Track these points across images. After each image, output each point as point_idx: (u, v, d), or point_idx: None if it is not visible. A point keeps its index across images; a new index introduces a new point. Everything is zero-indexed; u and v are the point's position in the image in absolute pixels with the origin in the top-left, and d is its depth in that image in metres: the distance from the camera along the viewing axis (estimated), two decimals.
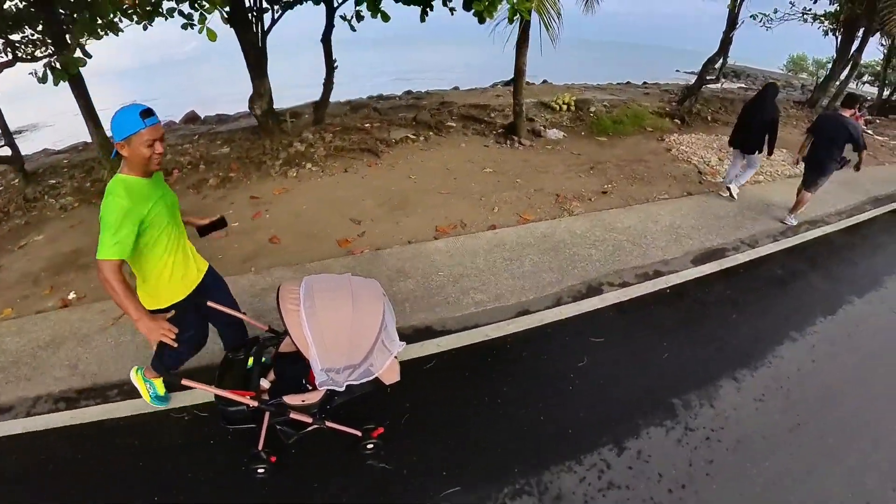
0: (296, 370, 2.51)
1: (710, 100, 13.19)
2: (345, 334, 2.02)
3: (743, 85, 20.15)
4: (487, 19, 6.37)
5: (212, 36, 5.24)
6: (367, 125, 8.53)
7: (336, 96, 10.94)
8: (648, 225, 5.75)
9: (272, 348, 2.72)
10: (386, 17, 6.49)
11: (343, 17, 7.53)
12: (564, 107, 10.06)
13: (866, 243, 5.76)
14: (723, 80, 12.14)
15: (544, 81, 17.65)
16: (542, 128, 8.84)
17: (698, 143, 9.49)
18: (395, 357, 2.23)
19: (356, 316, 2.04)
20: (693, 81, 12.38)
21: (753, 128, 6.07)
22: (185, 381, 2.20)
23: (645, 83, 16.67)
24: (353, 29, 7.50)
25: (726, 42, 11.67)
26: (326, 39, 8.13)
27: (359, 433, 2.81)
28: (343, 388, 2.18)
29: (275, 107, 8.02)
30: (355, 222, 5.48)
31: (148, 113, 2.15)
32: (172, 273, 2.46)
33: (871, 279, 4.92)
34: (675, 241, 5.40)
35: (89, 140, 7.58)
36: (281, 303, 2.06)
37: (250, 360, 2.60)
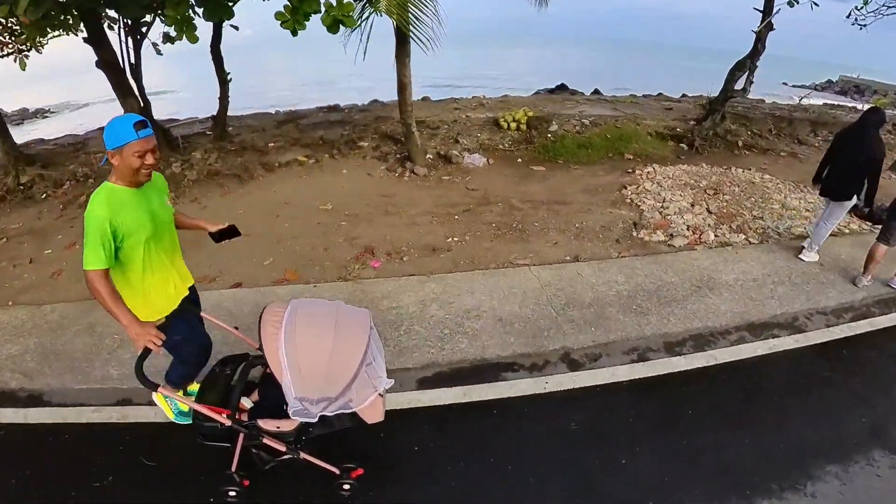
0: (278, 394, 2.30)
1: (757, 119, 10.63)
2: (322, 363, 1.98)
3: (836, 102, 16.56)
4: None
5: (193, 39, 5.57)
6: (270, 144, 7.58)
7: (353, 99, 10.19)
8: (430, 310, 4.09)
9: (262, 367, 2.71)
10: (194, 39, 5.57)
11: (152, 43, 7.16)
12: (514, 125, 8.35)
13: None
14: (748, 88, 9.59)
15: (560, 88, 15.65)
16: (457, 153, 7.26)
17: (676, 180, 7.34)
18: (382, 395, 2.18)
19: (336, 346, 1.99)
20: (718, 93, 9.93)
21: (845, 167, 4.86)
22: (160, 390, 2.24)
23: (684, 95, 14.12)
24: (158, 53, 7.28)
25: (760, 39, 9.18)
26: (215, 49, 7.45)
27: (336, 471, 2.69)
28: (316, 420, 2.14)
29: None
30: None
31: (142, 125, 2.24)
32: (152, 287, 2.49)
33: None
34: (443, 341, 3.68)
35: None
36: (262, 322, 2.05)
37: (235, 376, 2.60)
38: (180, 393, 2.98)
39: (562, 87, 16.24)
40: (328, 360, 2.00)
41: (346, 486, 2.72)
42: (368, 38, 5.59)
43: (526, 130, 8.28)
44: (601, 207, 6.21)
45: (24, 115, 21.70)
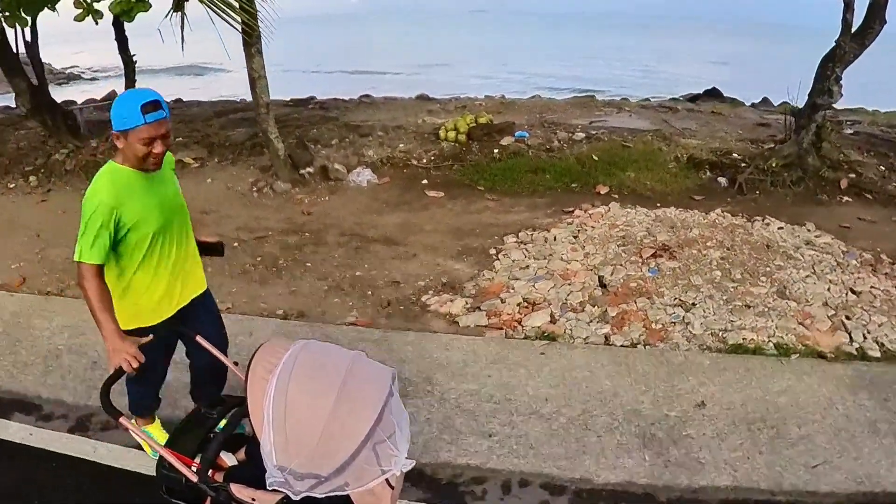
0: None
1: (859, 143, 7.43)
2: (315, 430, 1.61)
3: None
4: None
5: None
6: (179, 138, 7.64)
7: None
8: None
9: None
10: (23, 22, 5.71)
11: None
12: (451, 135, 6.96)
13: None
14: (836, 91, 6.52)
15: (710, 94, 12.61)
16: (339, 168, 6.29)
17: (626, 230, 5.31)
18: (392, 484, 1.74)
19: (338, 410, 1.61)
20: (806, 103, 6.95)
21: None
22: (122, 420, 1.97)
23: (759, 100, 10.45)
24: None
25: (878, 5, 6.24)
26: (118, 29, 7.46)
27: None
28: (298, 499, 1.74)
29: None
30: None
31: (152, 106, 2.00)
32: (147, 289, 2.27)
33: None
34: None
35: None
36: (254, 360, 1.71)
37: (223, 422, 2.24)
38: (153, 426, 2.76)
39: (713, 93, 12.98)
40: (324, 426, 1.61)
41: None
42: (182, 27, 5.05)
43: (465, 142, 6.84)
44: (437, 256, 4.73)
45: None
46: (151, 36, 6.06)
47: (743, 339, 3.81)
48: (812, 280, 4.55)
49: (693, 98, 12.88)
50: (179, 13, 5.54)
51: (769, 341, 3.80)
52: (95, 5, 5.97)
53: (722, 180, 6.82)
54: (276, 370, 1.67)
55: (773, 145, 7.62)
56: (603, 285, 4.36)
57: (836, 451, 2.92)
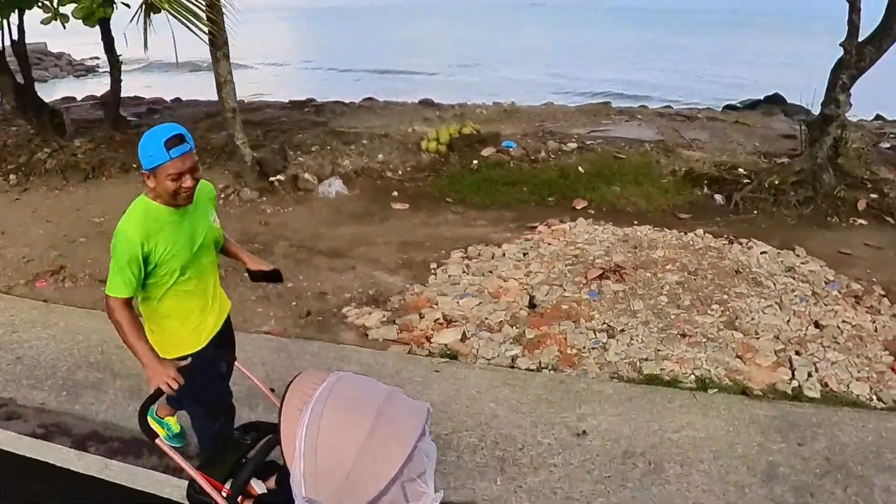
0: None
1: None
2: (345, 463, 1.53)
3: None
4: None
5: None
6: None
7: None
8: None
9: None
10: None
11: None
12: (433, 146, 7.02)
13: None
14: (843, 101, 6.00)
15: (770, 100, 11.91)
16: (309, 178, 6.51)
17: (582, 248, 5.21)
18: None
19: (370, 444, 1.52)
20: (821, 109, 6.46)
21: None
22: (158, 441, 2.06)
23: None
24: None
25: None
26: (106, 34, 7.53)
27: None
28: None
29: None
30: None
31: (176, 140, 2.02)
32: (182, 322, 2.35)
33: None
34: None
35: None
36: (290, 390, 1.61)
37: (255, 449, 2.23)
38: (173, 419, 2.93)
39: (774, 99, 12.10)
40: (353, 462, 1.58)
41: None
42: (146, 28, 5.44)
43: (445, 153, 6.89)
44: (375, 268, 4.82)
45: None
46: (161, 32, 5.88)
47: (661, 369, 3.64)
48: (773, 311, 4.28)
49: (752, 104, 12.09)
50: (143, 15, 5.72)
51: (691, 374, 3.61)
52: (61, 9, 6.33)
53: (718, 197, 6.48)
54: (310, 401, 1.62)
55: (785, 160, 7.15)
56: (533, 305, 4.28)
57: (711, 494, 2.75)
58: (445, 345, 3.81)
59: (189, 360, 2.27)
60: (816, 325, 4.11)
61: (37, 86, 8.49)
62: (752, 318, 4.17)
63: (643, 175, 6.76)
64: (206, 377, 2.42)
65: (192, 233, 2.25)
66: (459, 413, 3.23)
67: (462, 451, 2.97)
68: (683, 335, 3.96)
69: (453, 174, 6.63)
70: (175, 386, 2.08)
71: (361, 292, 4.45)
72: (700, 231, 5.53)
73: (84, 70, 23.27)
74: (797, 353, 3.84)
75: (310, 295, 4.44)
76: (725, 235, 5.49)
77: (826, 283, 4.65)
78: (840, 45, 5.88)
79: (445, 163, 6.85)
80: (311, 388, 1.64)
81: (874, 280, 4.80)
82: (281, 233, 5.55)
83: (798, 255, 5.18)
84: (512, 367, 3.67)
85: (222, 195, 6.19)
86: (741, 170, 6.96)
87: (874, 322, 4.19)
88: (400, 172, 6.72)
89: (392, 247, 5.20)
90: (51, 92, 13.71)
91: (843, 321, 4.19)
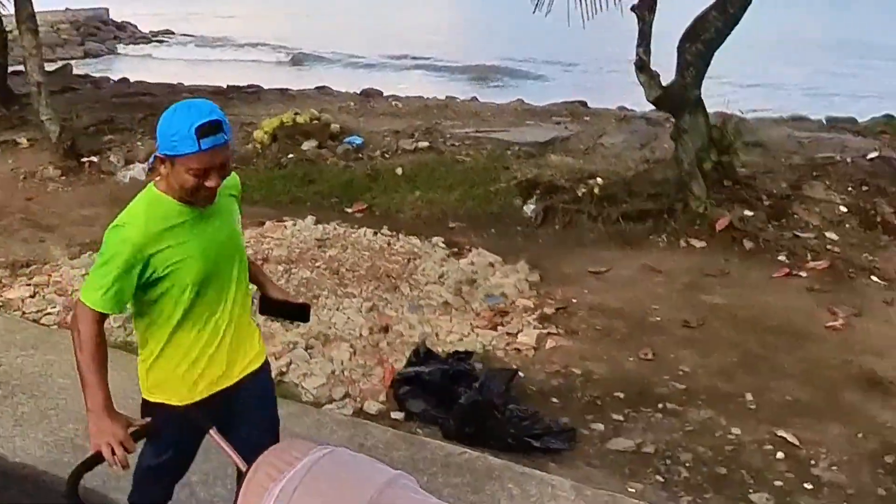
0: None
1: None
2: None
3: None
4: None
5: None
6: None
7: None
8: None
9: None
10: None
11: None
12: (259, 135, 6.85)
13: None
14: None
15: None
16: (114, 160, 6.52)
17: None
18: None
19: None
20: None
21: None
22: None
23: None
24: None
25: None
26: None
27: None
28: None
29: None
30: None
31: (210, 129, 1.51)
32: (183, 358, 1.75)
33: None
34: None
35: None
36: (257, 463, 1.38)
37: None
38: None
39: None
40: None
41: None
42: None
43: (266, 145, 6.69)
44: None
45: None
46: None
47: None
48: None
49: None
50: None
51: None
52: None
53: (528, 208, 5.47)
54: (281, 478, 1.34)
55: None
56: None
57: None
58: None
59: (149, 420, 1.72)
60: (386, 329, 3.54)
61: None
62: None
63: (470, 181, 6.00)
64: (183, 445, 1.83)
65: (208, 239, 1.71)
66: None
67: None
68: None
69: (256, 167, 6.34)
70: (120, 454, 1.57)
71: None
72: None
73: (146, 41, 23.65)
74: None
75: None
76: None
77: (486, 297, 3.94)
78: (631, 9, 4.57)
79: (261, 156, 6.62)
80: (286, 463, 1.35)
81: (575, 301, 3.94)
82: (26, 207, 5.66)
83: (518, 271, 4.15)
84: None
85: (37, 168, 6.28)
86: (598, 179, 5.73)
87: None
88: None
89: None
90: None
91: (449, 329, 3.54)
